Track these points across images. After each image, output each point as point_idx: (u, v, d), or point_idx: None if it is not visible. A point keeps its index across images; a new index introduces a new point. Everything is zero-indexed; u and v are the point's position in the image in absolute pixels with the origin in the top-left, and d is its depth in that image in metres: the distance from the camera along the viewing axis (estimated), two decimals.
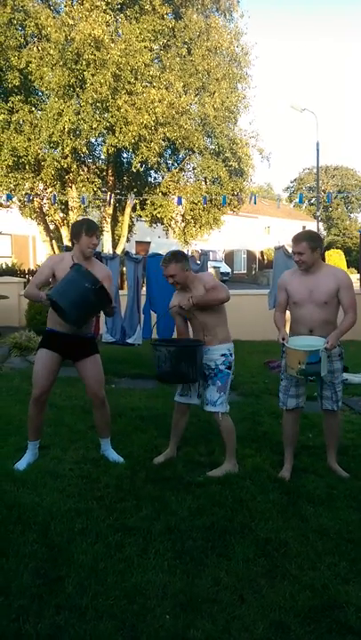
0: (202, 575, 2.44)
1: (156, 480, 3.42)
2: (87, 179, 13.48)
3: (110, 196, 12.78)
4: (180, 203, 12.50)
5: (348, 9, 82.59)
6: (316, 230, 22.81)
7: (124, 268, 7.58)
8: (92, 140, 13.25)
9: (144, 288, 6.46)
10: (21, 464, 3.61)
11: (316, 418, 4.75)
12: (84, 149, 12.43)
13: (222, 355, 3.61)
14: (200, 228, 15.57)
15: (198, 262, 6.25)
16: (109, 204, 13.63)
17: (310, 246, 3.41)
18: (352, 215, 52.77)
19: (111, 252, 14.67)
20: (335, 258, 34.39)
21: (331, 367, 3.52)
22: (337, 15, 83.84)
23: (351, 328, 3.44)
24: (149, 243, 27.01)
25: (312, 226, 40.43)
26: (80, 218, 14.82)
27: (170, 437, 3.87)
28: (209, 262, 7.56)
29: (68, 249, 6.90)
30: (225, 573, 2.45)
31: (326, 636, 2.07)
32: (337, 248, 38.81)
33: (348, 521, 2.96)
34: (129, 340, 6.16)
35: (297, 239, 3.49)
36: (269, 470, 3.61)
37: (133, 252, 21.60)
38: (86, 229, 3.54)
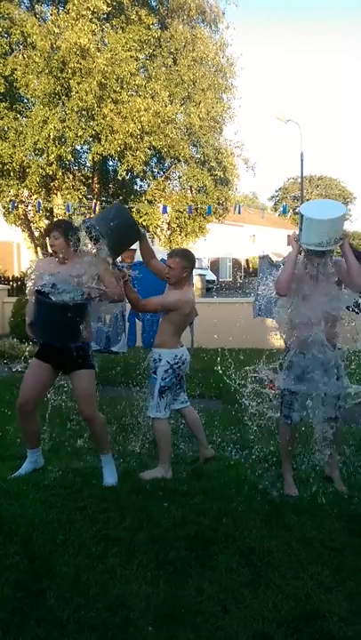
0: (185, 586, 2.42)
1: (140, 490, 3.40)
2: (72, 186, 13.46)
3: (96, 203, 12.76)
4: (165, 211, 12.54)
5: (333, 21, 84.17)
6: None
7: None
8: (78, 147, 13.25)
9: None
10: (19, 473, 3.59)
11: (299, 426, 4.77)
12: (70, 157, 12.42)
13: (153, 359, 3.73)
14: (186, 236, 15.64)
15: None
16: (95, 211, 13.60)
17: None
18: None
19: None
20: None
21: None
22: (322, 27, 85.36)
23: None
24: (135, 250, 26.86)
25: None
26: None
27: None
28: (195, 270, 7.56)
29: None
30: (208, 583, 2.44)
31: None
32: None
33: (331, 529, 2.97)
34: (113, 348, 6.13)
35: None
36: (254, 479, 3.61)
37: (119, 259, 21.53)
38: (48, 233, 3.59)
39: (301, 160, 20.44)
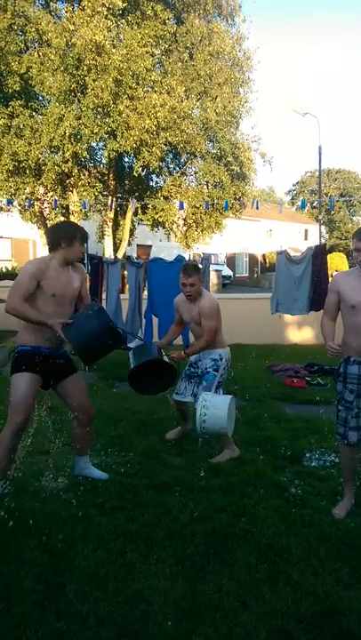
0: (204, 581, 2.43)
1: (158, 486, 3.41)
2: (88, 183, 13.52)
3: (112, 200, 12.79)
4: (182, 207, 12.51)
5: (349, 14, 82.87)
6: (319, 234, 22.81)
7: (126, 272, 7.60)
8: (94, 144, 13.28)
9: (145, 292, 6.46)
10: None
11: (318, 423, 4.75)
12: (85, 154, 12.46)
13: (213, 359, 4.01)
14: (202, 231, 15.59)
15: (200, 266, 6.25)
16: (111, 208, 13.65)
17: None
18: (354, 218, 52.75)
19: (112, 256, 14.70)
20: (337, 261, 34.35)
21: None
22: (338, 19, 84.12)
23: None
24: (150, 246, 27.04)
25: (314, 229, 40.45)
26: (75, 222, 14.88)
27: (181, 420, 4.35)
28: (211, 266, 7.55)
29: None
30: (227, 579, 2.44)
31: None
32: (339, 251, 38.81)
33: (350, 527, 2.95)
34: (130, 345, 6.14)
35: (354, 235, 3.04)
36: (272, 475, 3.59)
37: (134, 255, 21.61)
38: (81, 237, 3.23)
39: (320, 153, 20.19)
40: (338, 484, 3.47)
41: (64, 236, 3.19)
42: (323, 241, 20.34)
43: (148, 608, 2.22)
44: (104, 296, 6.51)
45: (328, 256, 7.10)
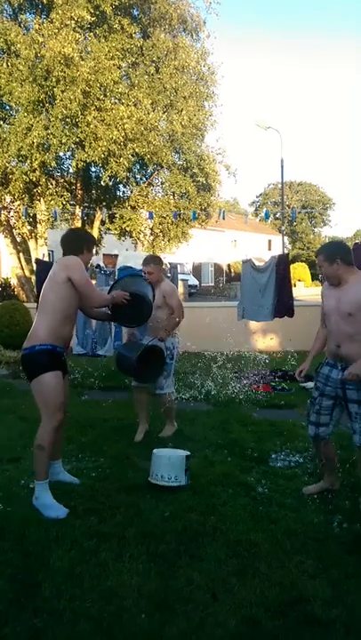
0: (175, 576, 2.52)
1: (129, 488, 3.49)
2: (56, 192, 13.51)
3: (82, 210, 12.83)
4: (151, 217, 12.66)
5: (312, 30, 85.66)
6: (282, 244, 23.37)
7: (94, 281, 7.65)
8: (61, 154, 13.31)
9: None
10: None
11: (283, 425, 4.93)
12: (53, 163, 12.49)
13: (167, 347, 4.49)
14: (169, 241, 15.78)
15: (168, 275, 6.39)
16: (80, 217, 13.68)
17: (325, 259, 3.19)
18: (315, 229, 54.20)
19: None
20: (300, 270, 35.25)
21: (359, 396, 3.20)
22: (300, 35, 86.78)
23: None
24: (117, 255, 27.07)
25: (277, 240, 41.32)
26: (49, 229, 14.82)
27: (139, 418, 4.68)
28: (179, 275, 7.67)
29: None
30: (198, 574, 2.54)
31: (295, 629, 2.18)
32: (301, 261, 39.77)
33: (314, 522, 3.10)
34: (99, 352, 6.21)
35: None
36: (239, 476, 3.73)
37: (101, 264, 21.58)
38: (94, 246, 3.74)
39: (282, 166, 20.85)
40: (303, 483, 3.63)
41: (87, 242, 3.50)
42: (285, 251, 20.88)
43: (123, 603, 2.30)
44: None
45: (291, 265, 7.36)
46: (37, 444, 3.18)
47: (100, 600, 2.30)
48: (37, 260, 7.89)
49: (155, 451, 3.71)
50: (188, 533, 2.91)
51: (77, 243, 3.43)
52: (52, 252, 18.37)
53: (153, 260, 4.55)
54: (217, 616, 2.24)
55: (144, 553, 2.70)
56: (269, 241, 45.90)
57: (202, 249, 35.58)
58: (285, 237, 36.38)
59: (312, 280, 38.68)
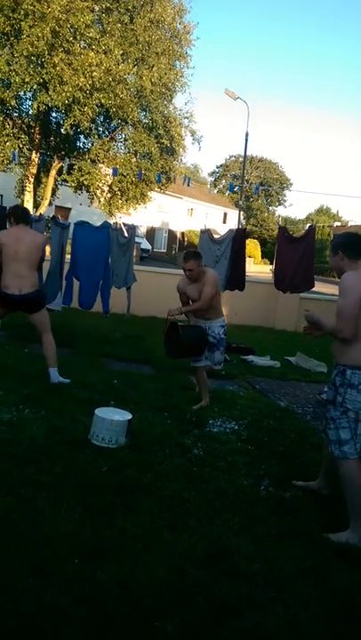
0: (110, 527, 2.62)
1: (69, 442, 3.53)
2: (13, 133, 12.88)
3: (40, 156, 12.31)
4: (115, 174, 12.34)
5: (288, 9, 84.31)
6: (238, 219, 23.46)
7: (47, 233, 7.44)
8: (22, 93, 12.64)
9: (68, 255, 6.42)
10: None
11: (223, 394, 5.12)
12: (13, 102, 11.85)
13: (220, 325, 4.70)
14: (126, 201, 15.50)
15: (126, 236, 6.33)
16: (36, 163, 13.14)
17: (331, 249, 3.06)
18: (270, 208, 54.77)
19: (33, 213, 14.18)
20: (251, 247, 35.73)
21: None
22: (280, 10, 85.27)
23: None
24: (70, 209, 26.30)
25: (233, 214, 41.47)
26: (0, 172, 14.10)
27: (202, 394, 4.81)
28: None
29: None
30: (131, 525, 2.65)
31: (219, 580, 2.34)
32: (254, 238, 40.27)
33: (243, 484, 3.29)
34: (48, 306, 6.10)
35: None
36: (177, 437, 3.86)
37: (58, 217, 20.90)
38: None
39: (246, 140, 20.69)
40: (235, 449, 3.81)
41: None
42: (241, 226, 21.06)
43: (57, 548, 2.37)
44: None
45: None
46: None
47: (34, 545, 2.36)
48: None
49: (97, 411, 3.73)
50: (124, 487, 3.00)
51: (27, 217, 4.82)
52: (2, 195, 17.58)
53: (193, 256, 4.56)
54: (147, 564, 2.36)
55: (80, 503, 2.77)
56: (225, 214, 46.03)
57: (157, 214, 35.20)
58: (241, 212, 36.64)
59: (262, 257, 39.38)
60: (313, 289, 7.28)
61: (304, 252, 6.66)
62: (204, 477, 3.29)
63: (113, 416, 3.67)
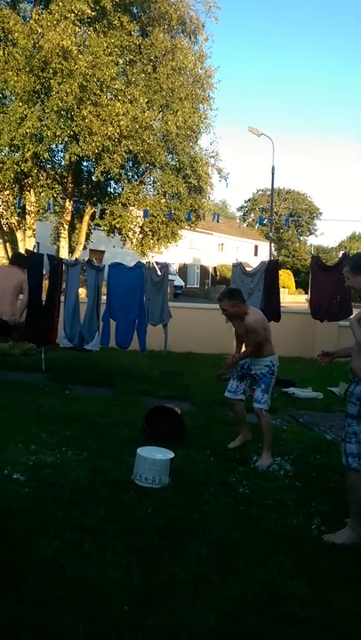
0: (158, 571, 2.55)
1: (113, 483, 3.51)
2: (47, 184, 13.45)
3: (73, 204, 12.81)
4: (146, 215, 12.63)
5: (308, 38, 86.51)
6: (269, 250, 23.53)
7: (83, 276, 7.63)
8: (54, 146, 13.26)
9: (104, 297, 6.55)
10: None
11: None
12: (46, 155, 12.43)
13: (266, 365, 4.39)
14: (158, 240, 15.81)
15: (159, 274, 6.41)
16: (70, 211, 13.65)
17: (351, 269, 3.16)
18: (301, 238, 54.75)
19: (68, 258, 14.63)
20: (285, 277, 35.60)
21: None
22: (296, 44, 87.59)
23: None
24: (103, 252, 27.00)
25: (264, 246, 41.63)
26: (37, 221, 14.76)
27: (241, 428, 4.60)
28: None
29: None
30: (180, 569, 2.57)
31: (273, 626, 2.23)
32: (286, 269, 40.17)
33: (293, 524, 3.16)
34: (87, 347, 6.20)
35: None
36: (221, 475, 3.78)
37: (87, 259, 21.51)
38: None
39: (273, 173, 20.98)
40: (282, 486, 3.70)
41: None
42: (273, 257, 21.10)
43: (105, 594, 2.32)
44: (62, 298, 6.56)
45: None
46: None
47: (83, 590, 2.32)
48: (28, 251, 7.84)
49: (139, 450, 3.71)
50: (170, 529, 2.94)
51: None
52: (39, 243, 18.25)
53: (226, 296, 4.33)
54: (198, 610, 2.28)
55: (126, 547, 2.73)
56: (256, 247, 46.24)
57: (188, 250, 35.70)
58: (272, 244, 36.71)
59: (296, 288, 39.11)
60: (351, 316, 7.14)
61: (339, 280, 6.57)
62: (252, 517, 3.19)
63: (155, 455, 3.63)
